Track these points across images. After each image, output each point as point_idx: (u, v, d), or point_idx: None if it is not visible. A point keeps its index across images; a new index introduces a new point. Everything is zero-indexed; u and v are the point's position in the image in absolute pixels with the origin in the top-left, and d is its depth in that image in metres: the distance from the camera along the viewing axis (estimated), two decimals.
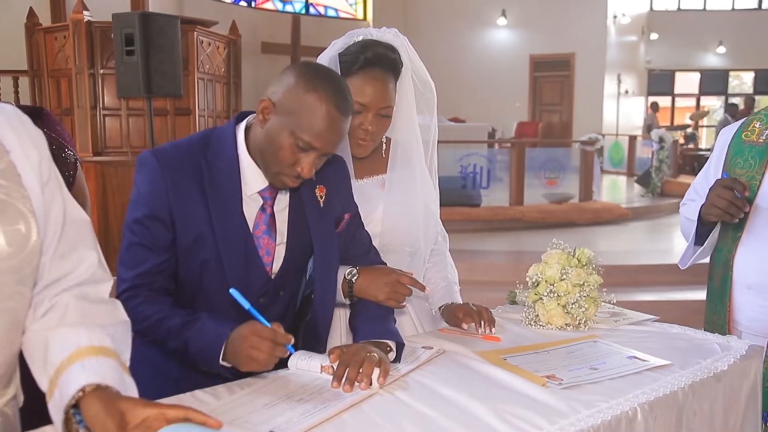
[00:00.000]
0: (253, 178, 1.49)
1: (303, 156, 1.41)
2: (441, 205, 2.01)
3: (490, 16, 15.67)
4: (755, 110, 2.05)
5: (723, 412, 1.52)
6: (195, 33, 5.92)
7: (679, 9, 16.44)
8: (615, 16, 15.34)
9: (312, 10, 14.67)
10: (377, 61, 1.76)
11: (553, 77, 15.66)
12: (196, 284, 1.50)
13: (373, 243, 1.76)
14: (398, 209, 1.84)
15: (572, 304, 1.75)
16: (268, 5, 13.92)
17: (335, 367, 1.37)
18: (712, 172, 2.07)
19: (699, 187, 2.09)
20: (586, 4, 14.86)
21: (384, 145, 1.89)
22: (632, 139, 13.50)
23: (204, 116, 6.18)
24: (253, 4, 13.63)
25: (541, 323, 1.79)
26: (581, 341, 1.66)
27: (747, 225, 1.90)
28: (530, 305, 1.81)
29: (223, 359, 1.34)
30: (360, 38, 1.83)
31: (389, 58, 1.78)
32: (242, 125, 1.50)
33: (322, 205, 1.59)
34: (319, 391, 1.33)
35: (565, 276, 1.77)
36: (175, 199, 1.43)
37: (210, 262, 1.48)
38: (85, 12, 5.58)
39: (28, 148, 1.06)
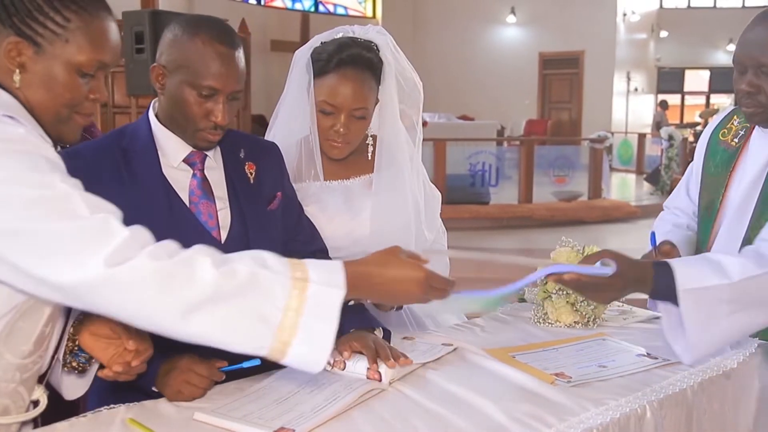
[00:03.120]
0: (174, 149, 1.47)
1: (211, 104, 1.41)
2: (449, 202, 2.03)
3: (499, 13, 15.64)
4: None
5: (734, 411, 1.51)
6: None
7: (689, 6, 16.35)
8: (624, 14, 15.27)
9: (321, 8, 14.68)
10: (351, 61, 1.72)
11: (562, 75, 15.61)
12: None
13: (361, 245, 1.72)
14: (387, 209, 1.81)
15: (581, 301, 1.74)
16: (278, 3, 13.94)
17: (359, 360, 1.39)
18: (693, 172, 1.90)
19: (673, 199, 1.97)
20: (596, 2, 14.81)
21: (371, 145, 1.85)
22: (641, 136, 13.45)
23: None
24: (262, 2, 13.65)
25: (549, 321, 1.78)
26: (590, 339, 1.65)
27: (713, 246, 1.73)
28: (539, 303, 1.81)
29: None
30: (340, 35, 1.79)
31: (364, 58, 1.74)
32: (151, 106, 1.51)
33: (251, 181, 1.58)
34: (329, 383, 1.34)
35: None
36: (91, 191, 1.38)
37: None
38: None
39: None
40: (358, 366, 1.39)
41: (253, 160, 1.58)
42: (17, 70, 1.09)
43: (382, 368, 1.37)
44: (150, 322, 0.98)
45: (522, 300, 1.96)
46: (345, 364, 1.40)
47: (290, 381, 1.34)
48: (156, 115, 1.49)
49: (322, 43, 1.79)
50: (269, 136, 1.84)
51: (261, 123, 10.04)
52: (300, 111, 1.79)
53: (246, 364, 1.26)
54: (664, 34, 16.28)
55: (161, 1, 6.93)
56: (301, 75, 1.78)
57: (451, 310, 1.92)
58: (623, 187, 12.02)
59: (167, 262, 0.97)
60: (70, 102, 1.13)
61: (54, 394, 1.24)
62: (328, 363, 1.39)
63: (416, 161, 1.91)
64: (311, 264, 1.05)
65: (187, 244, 1.40)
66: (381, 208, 1.81)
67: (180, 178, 1.48)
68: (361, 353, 1.41)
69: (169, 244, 1.01)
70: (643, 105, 16.31)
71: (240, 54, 1.43)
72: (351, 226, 1.80)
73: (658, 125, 13.12)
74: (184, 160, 1.48)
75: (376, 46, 1.79)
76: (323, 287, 1.02)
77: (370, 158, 1.85)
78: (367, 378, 1.37)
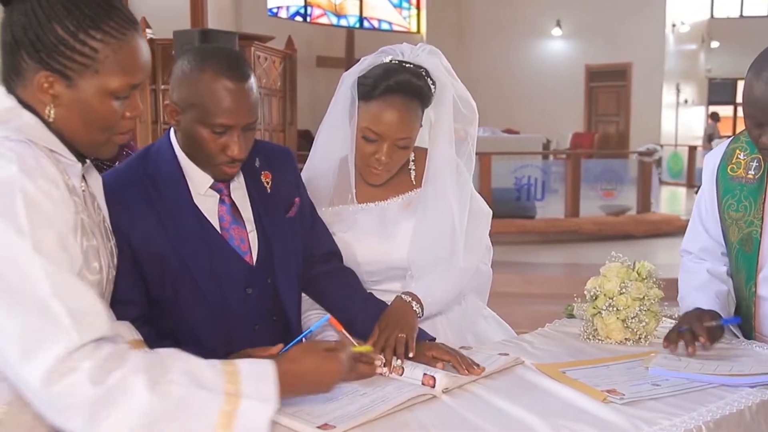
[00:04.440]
0: (199, 177, 1.48)
1: (226, 139, 1.40)
2: (495, 216, 1.97)
3: (544, 26, 15.53)
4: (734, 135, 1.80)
5: None
6: (252, 48, 6.06)
7: (741, 16, 15.97)
8: (674, 25, 15.00)
9: (366, 24, 14.83)
10: (398, 88, 1.66)
11: (609, 87, 15.41)
12: (170, 301, 1.47)
13: (397, 268, 1.74)
14: (428, 230, 1.77)
15: (632, 318, 1.71)
16: (323, 20, 14.14)
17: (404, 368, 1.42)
18: (703, 210, 1.87)
19: (692, 241, 1.93)
20: (644, 13, 14.58)
21: (412, 167, 1.83)
22: (692, 149, 13.15)
23: (260, 129, 6.32)
24: (308, 19, 13.86)
25: (599, 337, 1.75)
26: (642, 356, 1.61)
27: (759, 280, 1.73)
28: (588, 319, 1.78)
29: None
30: (388, 59, 1.73)
31: (413, 86, 1.68)
32: (172, 131, 1.51)
33: (269, 190, 1.58)
34: (383, 386, 1.36)
35: (624, 290, 1.73)
36: (126, 223, 1.40)
37: (178, 273, 1.45)
38: (147, 30, 5.78)
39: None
40: (415, 372, 1.40)
41: (268, 168, 1.60)
42: (51, 105, 1.10)
43: (438, 374, 1.37)
44: None
45: (571, 316, 1.93)
46: (403, 370, 1.42)
47: (347, 382, 1.36)
48: (179, 143, 1.50)
49: (369, 66, 1.74)
50: (311, 154, 1.86)
51: (307, 138, 10.16)
52: (342, 132, 1.77)
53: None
54: (715, 44, 15.92)
55: (210, 20, 7.09)
56: (346, 97, 1.74)
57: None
58: (673, 200, 11.76)
59: (102, 389, 0.94)
60: (106, 126, 1.15)
61: None
62: (386, 368, 1.42)
63: (464, 177, 1.85)
64: (245, 372, 1.05)
65: (221, 269, 1.48)
66: (423, 228, 1.78)
67: (208, 205, 1.50)
68: (420, 362, 1.44)
69: (110, 347, 0.98)
70: (694, 117, 15.96)
71: (251, 84, 1.42)
72: (386, 249, 1.78)
73: (709, 137, 12.83)
74: (210, 187, 1.51)
75: (426, 71, 1.73)
76: (254, 402, 1.03)
77: (407, 174, 1.83)
78: (422, 384, 1.37)
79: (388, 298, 1.77)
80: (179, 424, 0.98)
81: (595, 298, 1.76)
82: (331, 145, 1.81)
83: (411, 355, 1.48)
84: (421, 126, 1.76)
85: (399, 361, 1.46)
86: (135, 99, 1.17)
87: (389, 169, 1.73)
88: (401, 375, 1.43)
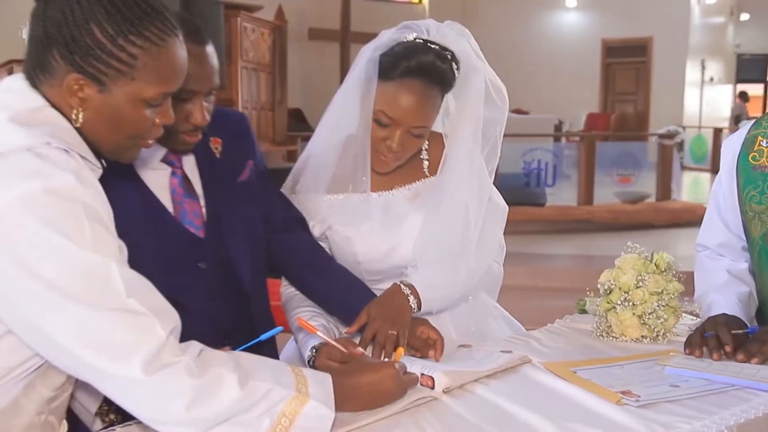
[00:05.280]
0: (150, 150, 1.49)
1: (189, 106, 1.43)
2: None
3: None
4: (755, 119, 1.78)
5: None
6: (238, 19, 6.04)
7: None
8: None
9: None
10: (419, 71, 1.62)
11: (627, 64, 15.37)
12: None
13: (401, 266, 1.75)
14: (440, 221, 1.75)
15: (649, 314, 1.71)
16: None
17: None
18: (721, 201, 1.86)
19: (709, 235, 1.92)
20: None
21: (424, 150, 1.80)
22: (717, 131, 13.14)
23: (248, 108, 6.30)
24: None
25: (614, 334, 1.75)
26: (660, 355, 1.62)
27: None
28: (602, 315, 1.78)
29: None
30: (412, 36, 1.68)
31: (437, 69, 1.65)
32: None
33: (218, 155, 1.61)
34: None
35: (641, 283, 1.74)
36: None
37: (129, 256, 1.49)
38: None
39: None
40: (411, 371, 1.40)
41: (219, 134, 1.62)
42: (79, 108, 1.10)
43: (436, 374, 1.38)
44: (164, 427, 1.07)
45: (583, 311, 1.94)
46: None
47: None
48: None
49: (389, 41, 1.69)
50: (316, 133, 1.84)
51: (298, 118, 10.11)
52: (353, 112, 1.74)
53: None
54: (744, 17, 15.88)
55: None
56: (361, 73, 1.69)
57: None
58: (696, 187, 11.77)
59: (200, 381, 1.06)
60: (135, 134, 1.17)
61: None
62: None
63: (485, 171, 1.83)
64: (310, 376, 1.19)
65: (170, 246, 1.51)
66: (433, 221, 1.76)
67: (160, 179, 1.53)
68: (414, 356, 1.47)
69: (194, 348, 1.11)
70: (720, 96, 15.94)
71: (212, 48, 1.47)
72: (390, 246, 1.76)
73: (737, 119, 12.84)
74: (162, 160, 1.53)
75: (452, 53, 1.70)
76: (319, 405, 1.15)
77: (424, 167, 1.80)
78: (420, 384, 1.38)
79: None
80: (257, 413, 1.10)
81: (610, 292, 1.76)
82: (338, 126, 1.79)
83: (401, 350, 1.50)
84: (438, 113, 1.73)
85: (392, 359, 1.47)
86: (167, 106, 1.19)
87: (399, 157, 1.70)
88: None
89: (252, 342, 1.43)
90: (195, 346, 1.12)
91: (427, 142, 1.80)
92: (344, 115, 1.77)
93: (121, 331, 1.03)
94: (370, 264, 1.77)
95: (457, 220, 1.76)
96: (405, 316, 1.60)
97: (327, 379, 1.20)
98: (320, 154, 1.79)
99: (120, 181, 1.47)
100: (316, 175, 1.78)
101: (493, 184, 1.92)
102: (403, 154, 1.71)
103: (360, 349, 1.48)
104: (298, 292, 1.76)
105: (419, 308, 1.64)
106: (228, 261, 1.61)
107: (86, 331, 1.02)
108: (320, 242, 1.79)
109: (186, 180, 1.56)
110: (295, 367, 1.19)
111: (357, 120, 1.72)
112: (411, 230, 1.76)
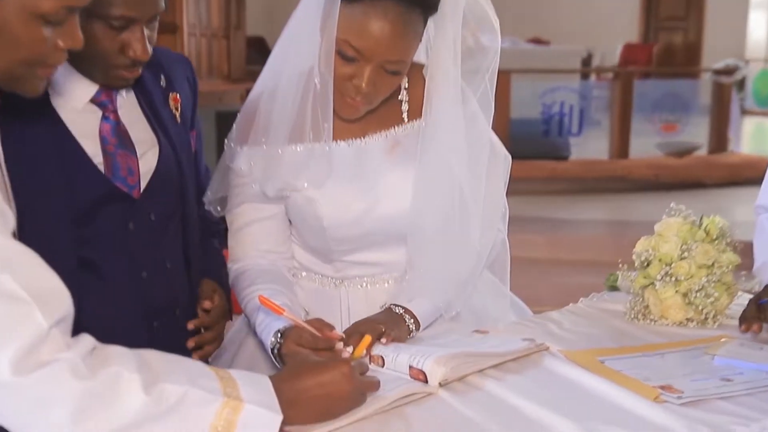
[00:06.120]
0: (75, 88, 1.51)
1: (126, 36, 1.45)
2: (514, 157, 1.93)
3: None
4: None
5: None
6: None
7: None
8: None
9: None
10: None
11: None
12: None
13: (377, 232, 1.76)
14: (433, 178, 1.73)
15: (696, 291, 1.73)
16: None
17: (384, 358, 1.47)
18: None
19: None
20: None
21: (404, 90, 1.78)
22: None
23: (195, 35, 6.25)
24: None
25: (652, 317, 1.77)
26: (708, 342, 1.64)
27: None
28: (637, 293, 1.80)
29: None
30: None
31: None
32: None
33: (178, 120, 1.66)
34: None
35: (687, 254, 1.75)
36: None
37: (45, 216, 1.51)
38: None
39: None
40: (399, 362, 1.42)
41: (176, 87, 1.67)
42: None
43: (426, 366, 1.39)
44: None
45: (613, 288, 1.95)
46: (383, 360, 1.45)
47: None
48: None
49: None
50: (265, 70, 1.83)
51: (259, 48, 10.03)
52: (310, 37, 1.70)
53: None
54: None
55: None
56: None
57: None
58: (759, 136, 11.84)
59: (89, 384, 1.04)
60: (30, 59, 1.13)
61: None
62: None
63: (473, 107, 1.80)
64: (239, 377, 1.18)
65: (92, 205, 1.53)
66: (426, 180, 1.74)
67: (88, 123, 1.54)
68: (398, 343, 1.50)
69: (85, 343, 1.08)
70: None
71: None
72: (363, 206, 1.75)
73: None
74: (91, 100, 1.55)
75: None
76: (258, 408, 1.14)
77: (402, 110, 1.78)
78: (411, 377, 1.40)
79: (363, 272, 1.80)
80: (175, 425, 1.08)
81: (647, 265, 1.78)
82: (296, 56, 1.75)
83: (384, 341, 1.52)
84: (419, 44, 1.71)
85: (377, 349, 1.50)
86: (73, 25, 1.15)
87: (370, 100, 1.67)
88: (383, 367, 1.46)
89: None
90: (86, 340, 1.09)
91: (407, 80, 1.77)
92: (302, 45, 1.73)
93: None
94: (338, 230, 1.76)
95: (450, 178, 1.74)
96: (400, 330, 1.63)
97: (263, 379, 1.20)
98: (276, 93, 1.75)
99: (33, 123, 1.47)
100: (270, 121, 1.74)
101: (504, 132, 1.92)
102: (374, 96, 1.67)
103: (337, 332, 1.50)
104: (250, 266, 1.77)
105: (417, 328, 1.68)
106: (165, 223, 1.66)
107: None
108: (277, 204, 1.79)
109: (121, 127, 1.57)
110: (217, 368, 1.19)
111: (317, 52, 1.68)
112: (388, 190, 1.75)
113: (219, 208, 1.83)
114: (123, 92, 1.60)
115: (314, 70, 1.70)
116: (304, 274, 1.85)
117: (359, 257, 1.79)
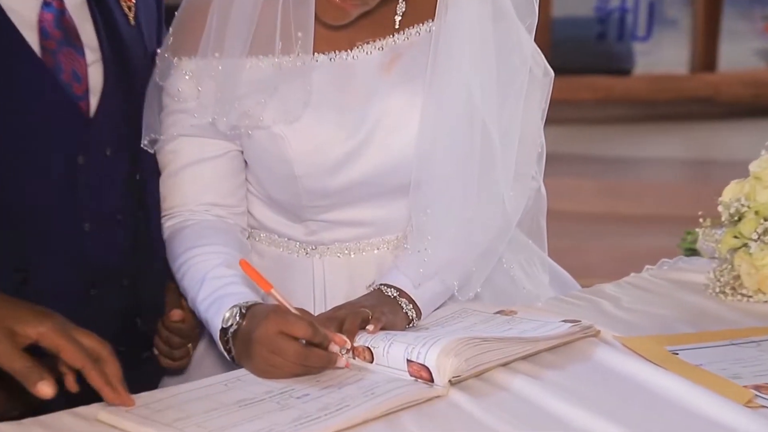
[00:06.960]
0: None
1: None
2: (558, 72, 1.93)
3: None
4: None
5: None
6: None
7: None
8: None
9: None
10: None
11: None
12: None
13: (368, 181, 1.77)
14: (448, 105, 1.74)
15: None
16: None
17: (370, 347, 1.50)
18: None
19: None
20: None
21: None
22: None
23: None
24: None
25: (744, 291, 1.79)
26: None
27: None
28: (724, 258, 1.82)
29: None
30: None
31: None
32: None
33: (132, 23, 1.70)
34: (336, 379, 1.42)
35: None
36: None
37: None
38: None
39: None
40: (393, 356, 1.45)
41: None
42: None
43: (431, 359, 1.40)
44: None
45: (691, 251, 1.97)
46: (372, 353, 1.47)
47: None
48: None
49: None
50: None
51: None
52: None
53: None
54: None
55: None
56: None
57: None
58: None
59: None
60: None
61: None
62: (348, 352, 1.49)
63: (509, 12, 1.80)
64: None
65: (35, 114, 1.58)
66: (437, 106, 1.74)
67: (22, 11, 1.57)
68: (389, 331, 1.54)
69: None
70: None
71: None
72: (350, 146, 1.75)
73: None
74: None
75: None
76: None
77: (396, 17, 1.77)
78: (410, 375, 1.42)
79: (345, 235, 1.81)
80: None
81: (739, 220, 1.79)
82: None
83: (371, 328, 1.55)
84: None
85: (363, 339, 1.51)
86: None
87: (365, 0, 1.67)
88: (371, 362, 1.48)
89: None
90: None
91: None
92: None
93: None
94: (314, 179, 1.76)
95: (470, 107, 1.74)
96: (398, 320, 1.66)
97: None
98: (227, 6, 1.73)
99: None
100: (226, 23, 1.73)
101: (543, 35, 1.91)
102: None
103: (343, 337, 1.52)
104: (190, 222, 1.79)
105: (419, 316, 1.69)
106: (120, 162, 1.69)
107: None
108: (229, 140, 1.80)
109: (65, 17, 1.60)
110: None
111: None
112: (384, 122, 1.76)
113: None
114: None
115: None
116: (263, 235, 1.87)
117: (341, 215, 1.80)
